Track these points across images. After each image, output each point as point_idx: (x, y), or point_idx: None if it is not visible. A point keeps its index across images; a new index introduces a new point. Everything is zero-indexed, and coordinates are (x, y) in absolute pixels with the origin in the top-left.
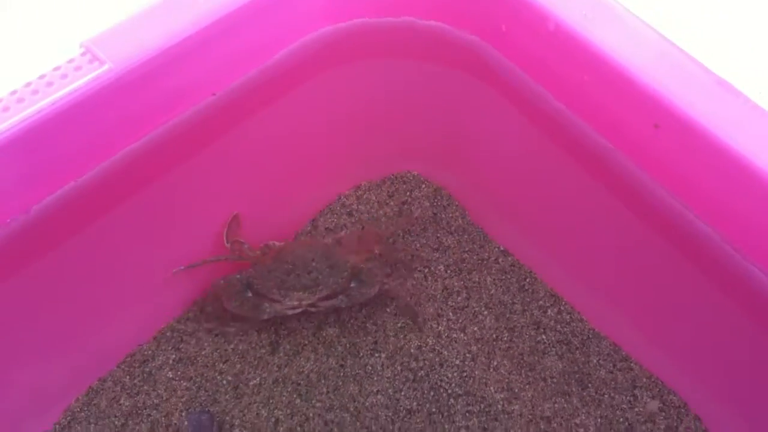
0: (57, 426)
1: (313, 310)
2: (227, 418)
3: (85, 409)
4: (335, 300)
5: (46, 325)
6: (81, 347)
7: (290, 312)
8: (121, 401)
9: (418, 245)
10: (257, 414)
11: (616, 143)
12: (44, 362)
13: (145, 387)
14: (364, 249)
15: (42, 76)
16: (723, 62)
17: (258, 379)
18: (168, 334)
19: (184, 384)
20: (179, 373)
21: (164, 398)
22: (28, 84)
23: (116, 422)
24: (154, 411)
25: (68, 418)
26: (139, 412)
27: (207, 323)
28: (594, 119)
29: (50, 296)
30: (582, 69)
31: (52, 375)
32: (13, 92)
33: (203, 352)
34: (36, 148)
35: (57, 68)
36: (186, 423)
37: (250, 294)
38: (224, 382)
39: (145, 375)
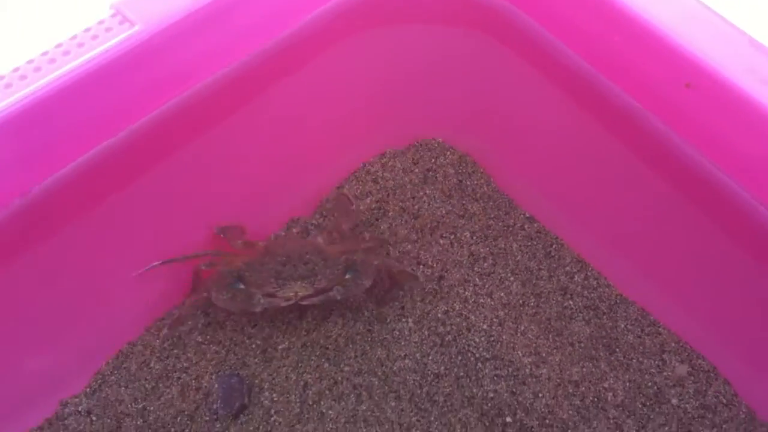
0: (88, 389)
1: (306, 303)
2: (256, 381)
3: (116, 372)
4: (330, 292)
5: (74, 290)
6: (109, 313)
7: (284, 304)
8: (151, 364)
9: (443, 212)
10: (286, 377)
11: (645, 104)
12: (74, 326)
13: (175, 351)
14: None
15: (73, 37)
16: (757, 23)
17: (287, 343)
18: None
19: (214, 348)
20: (208, 337)
21: (194, 362)
22: (59, 45)
23: (147, 385)
24: (184, 374)
25: (99, 381)
26: (170, 375)
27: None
28: (624, 80)
29: (78, 261)
30: (612, 29)
31: (82, 338)
32: (45, 53)
33: (232, 317)
34: (67, 108)
35: (87, 29)
36: (216, 385)
37: (241, 286)
38: (253, 345)
39: (174, 339)
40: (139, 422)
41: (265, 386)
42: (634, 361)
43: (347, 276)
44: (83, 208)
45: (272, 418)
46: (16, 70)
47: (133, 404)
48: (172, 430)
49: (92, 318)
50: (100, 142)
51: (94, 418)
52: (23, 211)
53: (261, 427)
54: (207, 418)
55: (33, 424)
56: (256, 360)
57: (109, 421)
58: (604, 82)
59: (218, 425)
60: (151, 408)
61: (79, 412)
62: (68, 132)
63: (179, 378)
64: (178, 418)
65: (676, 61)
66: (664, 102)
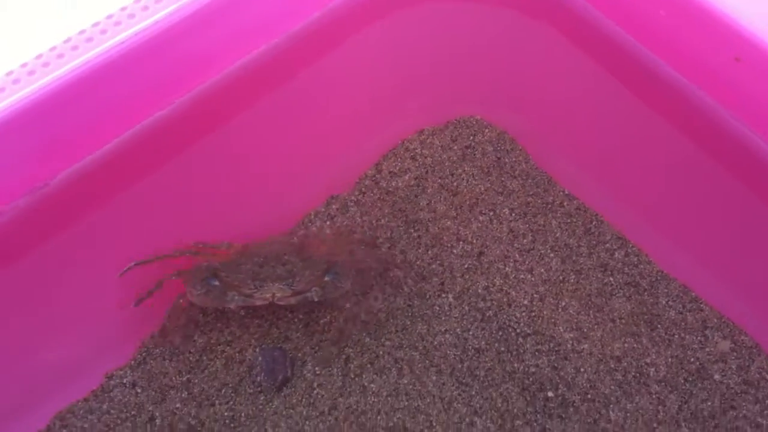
0: (133, 362)
1: (283, 303)
2: (299, 354)
3: (160, 345)
4: (308, 293)
5: (120, 263)
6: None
7: (259, 303)
8: (195, 338)
9: (482, 189)
10: (329, 351)
11: (692, 78)
12: (120, 299)
13: (219, 324)
14: (338, 249)
15: (109, 16)
16: None
17: (328, 317)
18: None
19: (257, 321)
20: (251, 311)
21: (237, 335)
22: (96, 24)
23: (191, 358)
24: (228, 347)
25: (143, 354)
26: (213, 348)
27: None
28: (669, 54)
29: (124, 235)
30: (658, 3)
31: (127, 312)
32: (82, 32)
33: None
34: (107, 85)
35: (123, 8)
36: (260, 358)
37: (216, 282)
38: (295, 320)
39: (218, 313)
40: (183, 394)
41: (308, 359)
42: (676, 337)
43: (326, 278)
44: (134, 177)
45: (315, 391)
46: (39, 57)
47: (177, 377)
48: (217, 402)
49: (138, 292)
50: (139, 121)
51: (138, 390)
52: (69, 185)
53: (304, 399)
54: (251, 391)
55: (79, 396)
56: (298, 334)
57: (153, 393)
58: (648, 56)
59: (262, 397)
60: (196, 380)
61: (124, 384)
62: (106, 109)
63: (223, 351)
64: (223, 391)
65: (725, 34)
66: (711, 76)
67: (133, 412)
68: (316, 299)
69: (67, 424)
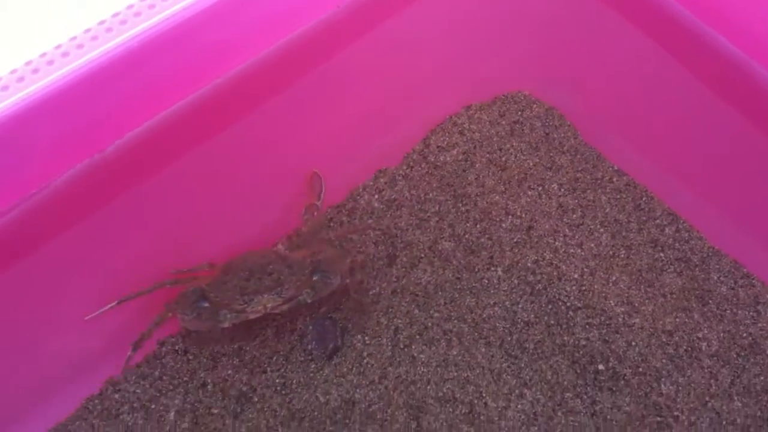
0: (184, 330)
1: (277, 312)
2: (349, 325)
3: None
4: (300, 297)
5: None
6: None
7: (252, 316)
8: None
9: (531, 164)
10: (377, 322)
11: (748, 52)
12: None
13: None
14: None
15: (130, 7)
16: None
17: (377, 288)
18: (287, 244)
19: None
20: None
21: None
22: (116, 14)
23: (243, 326)
24: (279, 317)
25: None
26: (265, 317)
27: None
28: (722, 26)
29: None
30: None
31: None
32: (102, 22)
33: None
34: (137, 70)
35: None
36: (310, 327)
37: (206, 304)
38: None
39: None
40: (235, 361)
41: (357, 330)
42: (728, 312)
43: (315, 278)
44: (170, 156)
45: (365, 360)
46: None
47: (229, 344)
48: (268, 369)
49: (194, 262)
50: (165, 107)
51: (190, 357)
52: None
53: (354, 368)
54: (302, 359)
55: (132, 363)
56: (348, 304)
57: (205, 360)
58: (701, 28)
59: (312, 365)
60: (247, 348)
61: (177, 351)
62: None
63: (274, 320)
64: (274, 358)
65: None
66: None
67: (185, 378)
68: (309, 301)
69: (120, 389)
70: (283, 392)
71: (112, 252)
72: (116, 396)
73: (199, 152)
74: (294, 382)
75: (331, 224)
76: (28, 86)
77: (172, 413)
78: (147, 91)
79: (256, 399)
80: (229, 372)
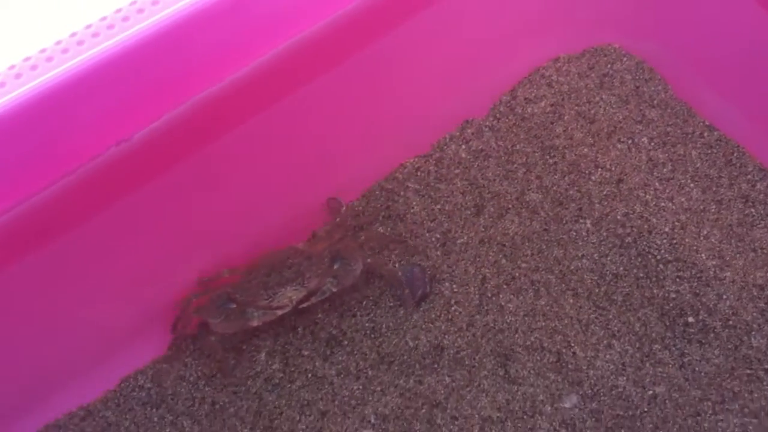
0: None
1: (304, 305)
2: (437, 273)
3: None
4: (324, 288)
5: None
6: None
7: (280, 313)
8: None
9: (620, 117)
10: (465, 270)
11: None
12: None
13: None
14: (341, 230)
15: (118, 10)
16: None
17: (465, 238)
18: (377, 192)
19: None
20: (389, 229)
21: (377, 251)
22: (134, 2)
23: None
24: (368, 261)
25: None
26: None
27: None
28: None
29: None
30: None
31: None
32: (118, 10)
33: (411, 210)
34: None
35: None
36: (400, 274)
37: (233, 305)
38: (433, 239)
39: (356, 229)
40: (325, 306)
41: (445, 277)
42: None
43: (336, 266)
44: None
45: (452, 308)
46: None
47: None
48: (358, 314)
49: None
50: (190, 96)
51: None
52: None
53: (442, 315)
54: (391, 304)
55: None
56: (437, 252)
57: None
58: None
59: (401, 311)
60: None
61: None
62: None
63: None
64: (363, 303)
65: None
66: None
67: (275, 322)
68: (334, 290)
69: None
70: (373, 336)
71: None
72: (211, 338)
73: (250, 129)
74: (383, 326)
75: (359, 218)
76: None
77: (263, 354)
78: (185, 71)
79: (346, 342)
80: (319, 316)
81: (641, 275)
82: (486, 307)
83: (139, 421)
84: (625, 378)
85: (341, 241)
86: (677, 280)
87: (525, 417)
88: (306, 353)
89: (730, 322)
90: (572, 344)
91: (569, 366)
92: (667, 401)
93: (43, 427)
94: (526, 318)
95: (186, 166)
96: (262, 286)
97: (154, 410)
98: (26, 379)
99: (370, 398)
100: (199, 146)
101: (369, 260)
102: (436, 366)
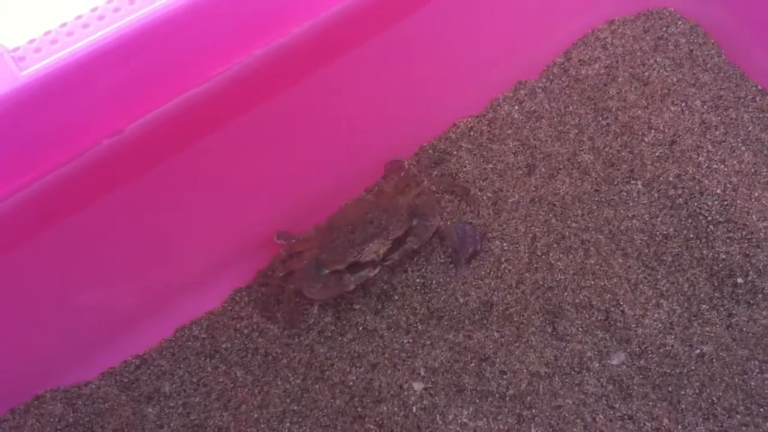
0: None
1: (388, 263)
2: (488, 231)
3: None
4: (405, 244)
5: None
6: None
7: (371, 274)
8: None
9: (674, 80)
10: (515, 229)
11: None
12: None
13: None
14: (405, 187)
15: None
16: None
17: (516, 197)
18: (430, 152)
19: (447, 197)
20: (441, 187)
21: (422, 200)
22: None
23: None
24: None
25: None
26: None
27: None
28: None
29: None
30: None
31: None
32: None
33: (464, 170)
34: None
35: None
36: (452, 231)
37: (326, 271)
38: (484, 197)
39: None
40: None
41: (496, 236)
42: None
43: (415, 222)
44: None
45: (503, 265)
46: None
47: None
48: (409, 269)
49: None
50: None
51: None
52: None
53: (492, 272)
54: (441, 261)
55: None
56: (488, 211)
57: None
58: None
59: (452, 268)
60: None
61: None
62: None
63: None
64: (415, 259)
65: None
66: None
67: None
68: (415, 247)
69: (267, 283)
70: (423, 291)
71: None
72: (263, 289)
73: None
74: (434, 282)
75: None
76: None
77: (316, 307)
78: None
79: (396, 297)
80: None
81: (691, 236)
82: (535, 265)
83: (192, 370)
84: (672, 337)
85: (420, 197)
86: (727, 241)
87: (573, 373)
88: (357, 307)
89: None
90: (621, 303)
91: (617, 324)
92: (714, 360)
93: (98, 375)
94: (576, 276)
95: (242, 124)
96: (350, 244)
97: (208, 360)
98: (84, 328)
99: (420, 352)
100: (256, 104)
101: (417, 202)
102: (485, 322)
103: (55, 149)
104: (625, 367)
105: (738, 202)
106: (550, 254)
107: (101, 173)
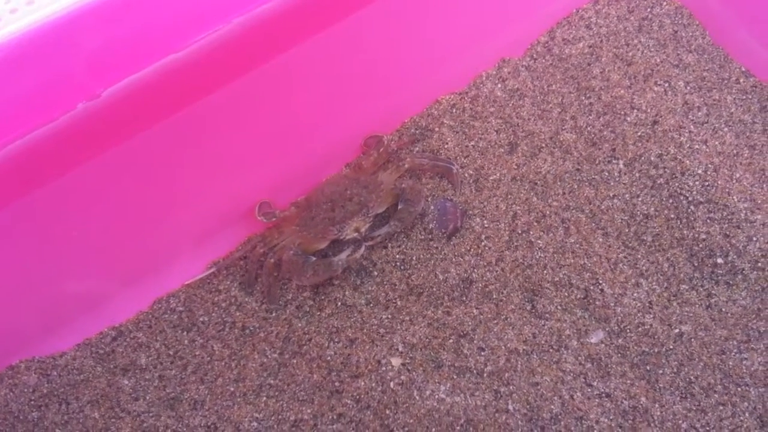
0: None
1: (370, 243)
2: (469, 208)
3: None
4: (388, 227)
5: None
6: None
7: (358, 255)
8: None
9: (658, 60)
10: (496, 207)
11: None
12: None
13: None
14: (386, 163)
15: None
16: None
17: (497, 175)
18: (411, 129)
19: (428, 174)
20: (422, 163)
21: (409, 185)
22: None
23: None
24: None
25: None
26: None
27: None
28: None
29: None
30: None
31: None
32: None
33: (445, 146)
34: None
35: None
36: (432, 207)
37: (313, 257)
38: (466, 174)
39: (398, 156)
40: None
41: (476, 212)
42: None
43: (400, 206)
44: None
45: (483, 243)
46: None
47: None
48: (389, 245)
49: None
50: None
51: None
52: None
53: (472, 249)
54: (422, 237)
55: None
56: (470, 189)
57: None
58: None
59: (433, 244)
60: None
61: None
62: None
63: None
64: (395, 235)
65: None
66: None
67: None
68: (399, 230)
69: (246, 257)
70: (403, 268)
71: None
72: (242, 263)
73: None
74: (414, 258)
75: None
76: None
77: (294, 282)
78: None
79: (376, 273)
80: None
81: (672, 216)
82: (516, 243)
83: (169, 343)
84: (651, 316)
85: (406, 181)
86: (708, 221)
87: (551, 350)
88: (336, 282)
89: (759, 264)
90: (600, 282)
91: (596, 303)
92: (692, 339)
93: (74, 346)
94: (555, 255)
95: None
96: (329, 221)
97: (185, 333)
98: (60, 299)
99: (399, 327)
100: (237, 76)
101: (404, 186)
102: (464, 298)
103: (30, 112)
104: (603, 345)
105: (719, 182)
106: (531, 232)
107: (77, 140)
